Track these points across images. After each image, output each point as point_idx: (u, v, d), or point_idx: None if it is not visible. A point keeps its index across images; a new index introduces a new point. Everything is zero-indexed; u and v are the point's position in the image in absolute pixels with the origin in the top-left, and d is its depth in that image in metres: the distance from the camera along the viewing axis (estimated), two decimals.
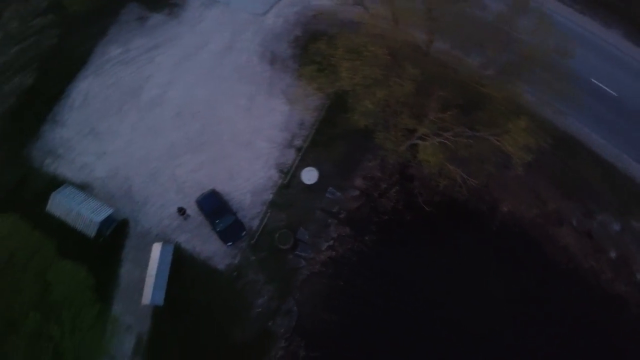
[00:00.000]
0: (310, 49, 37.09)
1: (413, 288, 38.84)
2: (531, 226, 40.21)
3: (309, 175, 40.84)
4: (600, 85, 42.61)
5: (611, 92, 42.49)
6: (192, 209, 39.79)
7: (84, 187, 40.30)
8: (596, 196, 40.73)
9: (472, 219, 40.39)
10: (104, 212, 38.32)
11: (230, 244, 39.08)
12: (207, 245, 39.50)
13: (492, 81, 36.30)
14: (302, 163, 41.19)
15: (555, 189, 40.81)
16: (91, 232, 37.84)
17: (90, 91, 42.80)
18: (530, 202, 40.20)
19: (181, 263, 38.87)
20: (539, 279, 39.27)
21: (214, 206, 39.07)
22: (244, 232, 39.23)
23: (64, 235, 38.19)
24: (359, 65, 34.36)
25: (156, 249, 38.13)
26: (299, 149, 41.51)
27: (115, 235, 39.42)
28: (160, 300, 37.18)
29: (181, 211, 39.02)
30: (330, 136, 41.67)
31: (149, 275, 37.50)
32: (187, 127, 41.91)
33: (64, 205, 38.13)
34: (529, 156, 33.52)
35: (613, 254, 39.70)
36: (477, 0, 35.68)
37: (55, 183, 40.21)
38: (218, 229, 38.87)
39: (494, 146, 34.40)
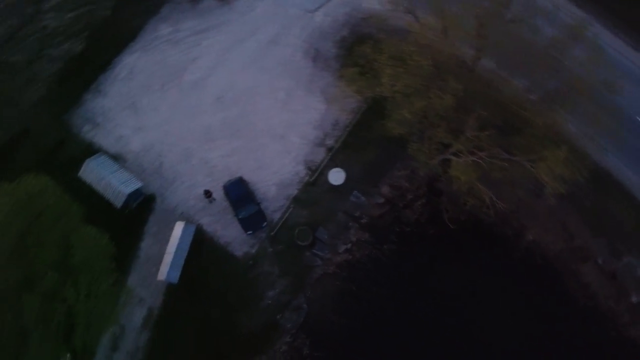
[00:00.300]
0: (355, 51, 36.49)
1: (427, 302, 38.01)
2: (555, 258, 38.85)
3: (336, 176, 40.27)
4: None
5: None
6: (218, 194, 39.72)
7: (117, 158, 40.57)
8: (626, 237, 39.05)
9: (496, 242, 39.15)
10: (133, 185, 38.45)
11: (250, 232, 38.87)
12: (228, 231, 39.33)
13: (535, 106, 35.18)
14: (331, 163, 40.63)
15: (585, 224, 39.30)
16: (118, 202, 38.03)
17: (136, 66, 43.02)
18: (557, 234, 38.77)
19: (200, 245, 38.81)
20: (556, 312, 38.10)
21: (239, 193, 38.86)
22: (265, 223, 38.94)
23: (91, 202, 38.47)
24: (401, 73, 33.64)
25: (178, 227, 38.13)
26: (329, 149, 40.98)
27: (141, 208, 39.55)
28: (175, 278, 37.18)
29: (207, 194, 38.95)
30: (362, 140, 40.98)
31: (168, 252, 37.52)
32: (225, 112, 41.77)
33: (96, 173, 38.41)
34: (563, 187, 32.45)
35: (635, 299, 38.08)
36: (531, 22, 34.52)
37: (91, 150, 40.53)
38: (240, 216, 38.66)
39: (528, 172, 33.35)
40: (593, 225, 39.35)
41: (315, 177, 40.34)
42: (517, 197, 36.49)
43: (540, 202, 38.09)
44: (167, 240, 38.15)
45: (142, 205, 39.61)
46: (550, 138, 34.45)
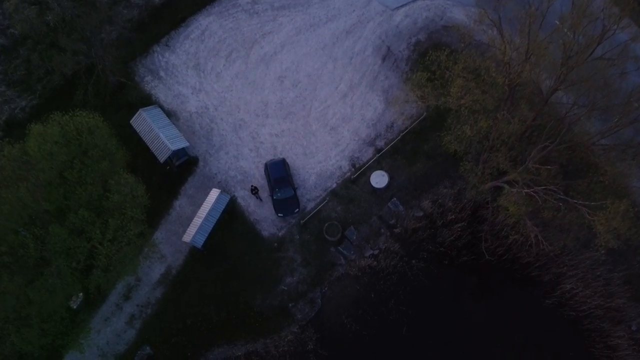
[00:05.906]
0: (428, 56, 33.29)
1: (444, 328, 34.79)
2: (587, 315, 34.76)
3: (379, 179, 37.26)
4: None
5: None
6: (259, 170, 37.66)
7: (170, 114, 38.93)
8: None
9: (529, 284, 35.43)
10: (179, 143, 36.71)
11: (281, 215, 36.65)
12: (260, 209, 37.25)
13: (605, 152, 31.30)
14: (376, 165, 37.73)
15: (628, 286, 35.04)
16: (162, 157, 36.41)
17: (209, 29, 41.16)
18: (596, 290, 34.58)
19: (231, 216, 36.83)
20: None
21: (279, 175, 36.55)
22: (297, 210, 36.57)
23: (136, 151, 37.08)
24: (473, 87, 30.35)
25: (213, 194, 36.28)
26: (378, 150, 38.08)
27: (182, 168, 37.96)
28: (200, 243, 35.30)
29: (254, 190, 36.72)
30: (414, 148, 37.90)
31: (199, 216, 35.84)
32: (284, 92, 39.51)
33: (147, 123, 36.82)
34: (615, 243, 28.61)
35: None
36: (621, 65, 30.45)
37: (147, 101, 39.17)
38: (275, 198, 36.41)
39: (581, 219, 29.61)
40: (637, 289, 35.06)
41: (357, 176, 37.56)
42: (563, 242, 32.56)
43: (587, 253, 34.22)
44: (200, 204, 36.41)
45: (183, 165, 37.99)
46: (614, 189, 30.75)
